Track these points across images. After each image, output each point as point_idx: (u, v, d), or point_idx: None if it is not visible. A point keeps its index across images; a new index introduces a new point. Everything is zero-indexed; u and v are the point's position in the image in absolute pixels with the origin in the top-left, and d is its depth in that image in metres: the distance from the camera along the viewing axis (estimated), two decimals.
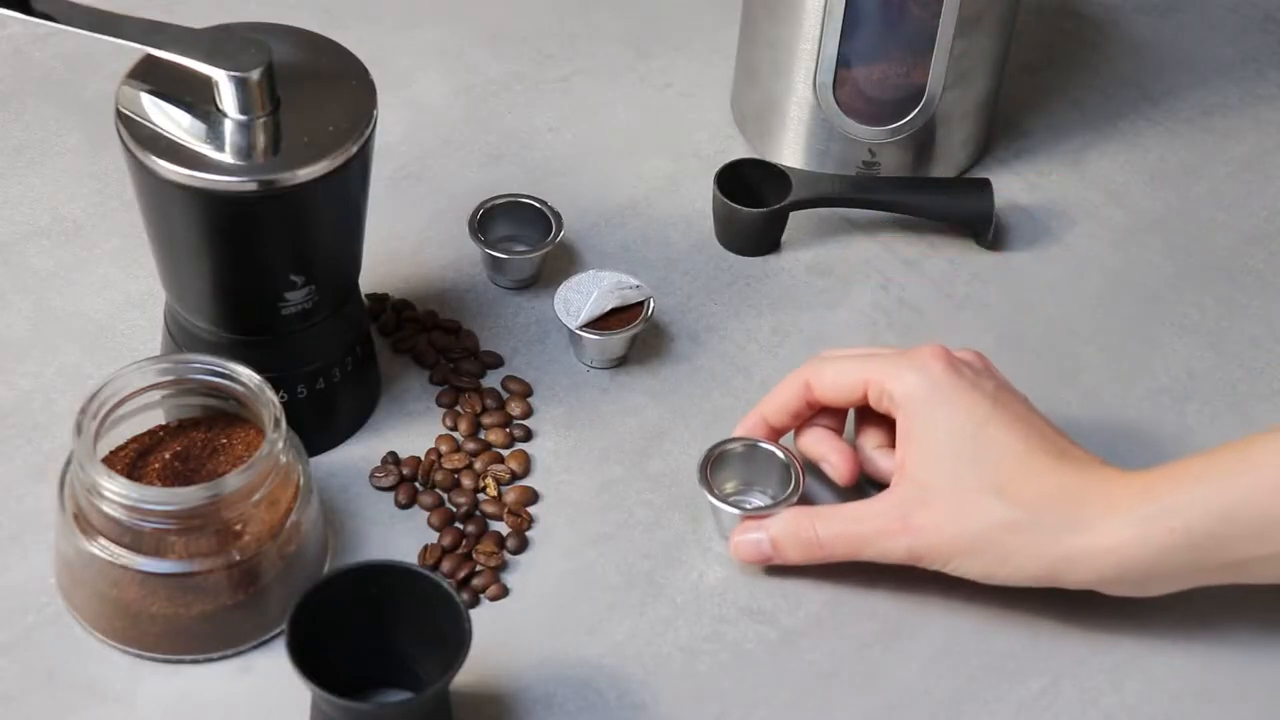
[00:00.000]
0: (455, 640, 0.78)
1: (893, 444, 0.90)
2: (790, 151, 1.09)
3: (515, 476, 0.93)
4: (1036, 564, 0.84)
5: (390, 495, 0.92)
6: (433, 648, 0.80)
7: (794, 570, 0.90)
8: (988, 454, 0.85)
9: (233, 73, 0.82)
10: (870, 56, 1.04)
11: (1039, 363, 1.01)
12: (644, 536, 0.91)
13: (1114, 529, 0.83)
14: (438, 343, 0.99)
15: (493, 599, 0.88)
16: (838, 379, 0.90)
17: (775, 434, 0.92)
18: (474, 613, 0.88)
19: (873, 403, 0.89)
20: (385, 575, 0.80)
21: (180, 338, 0.91)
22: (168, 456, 0.87)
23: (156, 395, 0.87)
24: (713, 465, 0.90)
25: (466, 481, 0.93)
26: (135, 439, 0.88)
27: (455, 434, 0.95)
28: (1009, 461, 0.85)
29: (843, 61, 1.04)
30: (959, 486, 0.85)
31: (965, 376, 0.87)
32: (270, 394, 0.84)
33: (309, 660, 0.77)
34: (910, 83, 1.05)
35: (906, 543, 0.86)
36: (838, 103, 1.06)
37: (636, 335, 0.98)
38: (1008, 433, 0.86)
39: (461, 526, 0.91)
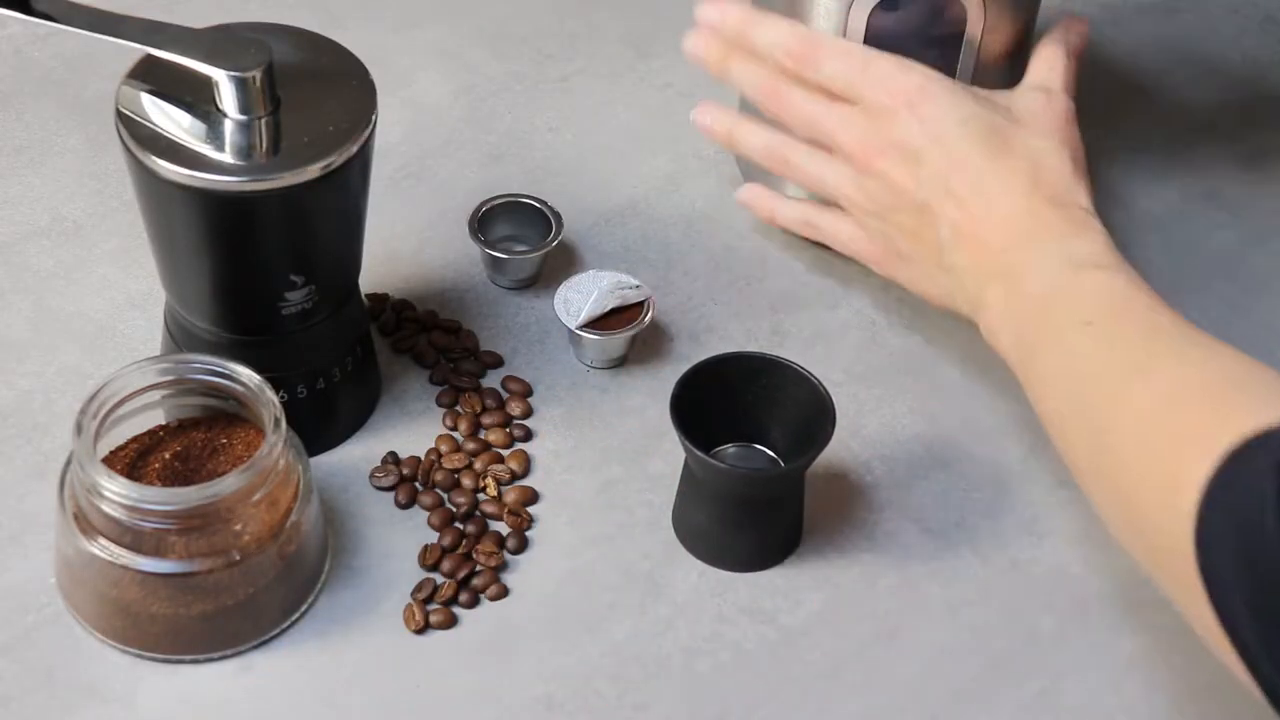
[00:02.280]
0: (820, 419, 0.88)
1: None
2: (802, 199, 1.06)
3: (515, 476, 0.93)
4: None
5: (390, 495, 0.92)
6: (794, 427, 0.90)
7: (794, 570, 0.90)
8: None
9: (233, 73, 0.82)
10: None
11: None
12: (644, 536, 0.91)
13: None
14: (438, 343, 0.99)
15: (493, 599, 0.88)
16: None
17: None
18: (473, 613, 0.88)
19: None
20: (748, 361, 0.91)
21: (180, 338, 0.91)
22: (168, 456, 0.87)
23: (156, 395, 0.87)
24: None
25: (466, 481, 0.93)
26: (135, 439, 0.88)
27: (455, 434, 0.95)
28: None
29: None
30: None
31: None
32: (270, 394, 0.84)
33: (688, 428, 0.86)
34: None
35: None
36: None
37: (636, 335, 0.98)
38: None
39: (461, 526, 0.91)
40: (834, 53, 0.94)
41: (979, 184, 0.89)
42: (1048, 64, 0.97)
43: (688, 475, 0.89)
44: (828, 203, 0.98)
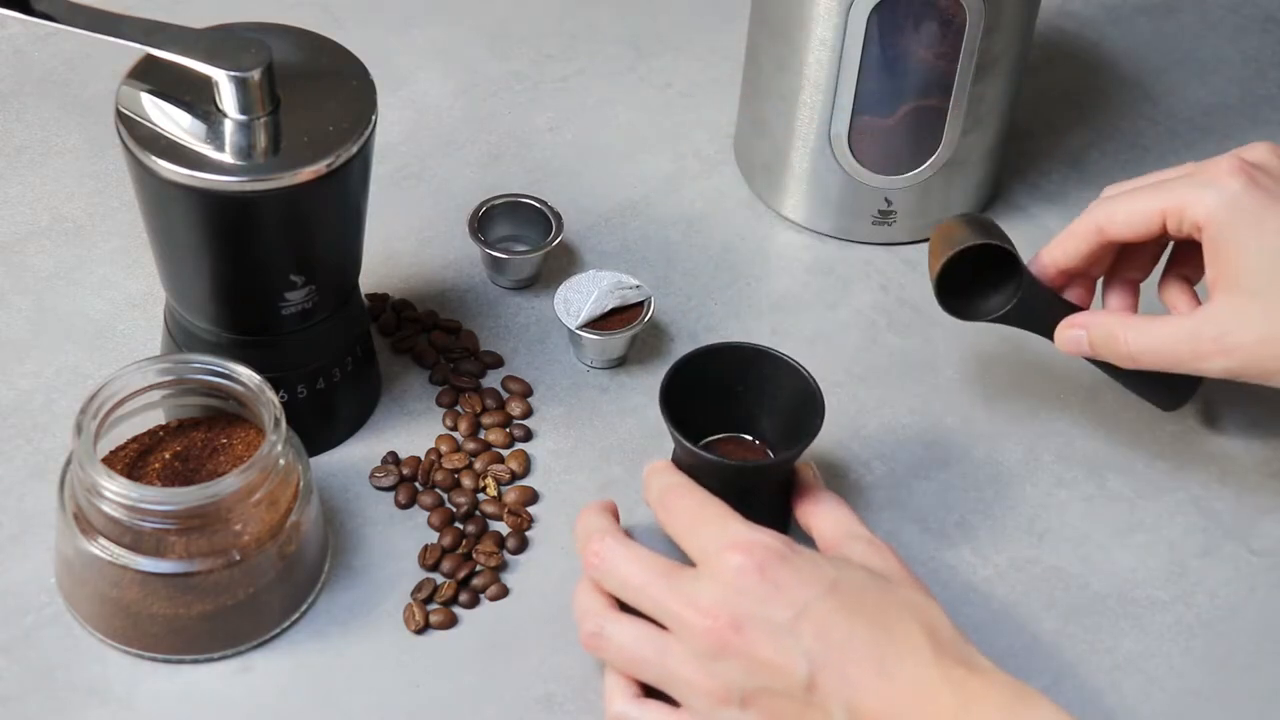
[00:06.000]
0: (809, 411, 0.87)
1: (1185, 279, 0.92)
2: (802, 203, 1.07)
3: (515, 476, 0.93)
4: None
5: (390, 495, 0.92)
6: (784, 419, 0.90)
7: None
8: None
9: (233, 73, 0.82)
10: (886, 106, 1.01)
11: (1040, 363, 1.01)
12: (644, 536, 0.91)
13: None
14: (438, 343, 0.99)
15: (493, 599, 0.88)
16: (1131, 215, 0.88)
17: (1068, 279, 0.93)
18: (473, 613, 0.88)
19: (1172, 231, 0.88)
20: (738, 352, 0.91)
21: (180, 338, 0.91)
22: (168, 456, 0.87)
23: (156, 395, 0.87)
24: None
25: (466, 481, 0.93)
26: (135, 439, 0.88)
27: (455, 434, 0.95)
28: None
29: (857, 111, 1.01)
30: (1277, 301, 0.83)
31: (1265, 187, 0.85)
32: (270, 394, 0.84)
33: (677, 419, 0.87)
34: (927, 130, 1.03)
35: (1223, 364, 0.85)
36: (853, 153, 1.03)
37: (636, 335, 0.98)
38: None
39: (461, 526, 0.91)
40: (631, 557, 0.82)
41: (872, 655, 0.76)
42: (829, 513, 0.86)
43: (677, 466, 0.89)
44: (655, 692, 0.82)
